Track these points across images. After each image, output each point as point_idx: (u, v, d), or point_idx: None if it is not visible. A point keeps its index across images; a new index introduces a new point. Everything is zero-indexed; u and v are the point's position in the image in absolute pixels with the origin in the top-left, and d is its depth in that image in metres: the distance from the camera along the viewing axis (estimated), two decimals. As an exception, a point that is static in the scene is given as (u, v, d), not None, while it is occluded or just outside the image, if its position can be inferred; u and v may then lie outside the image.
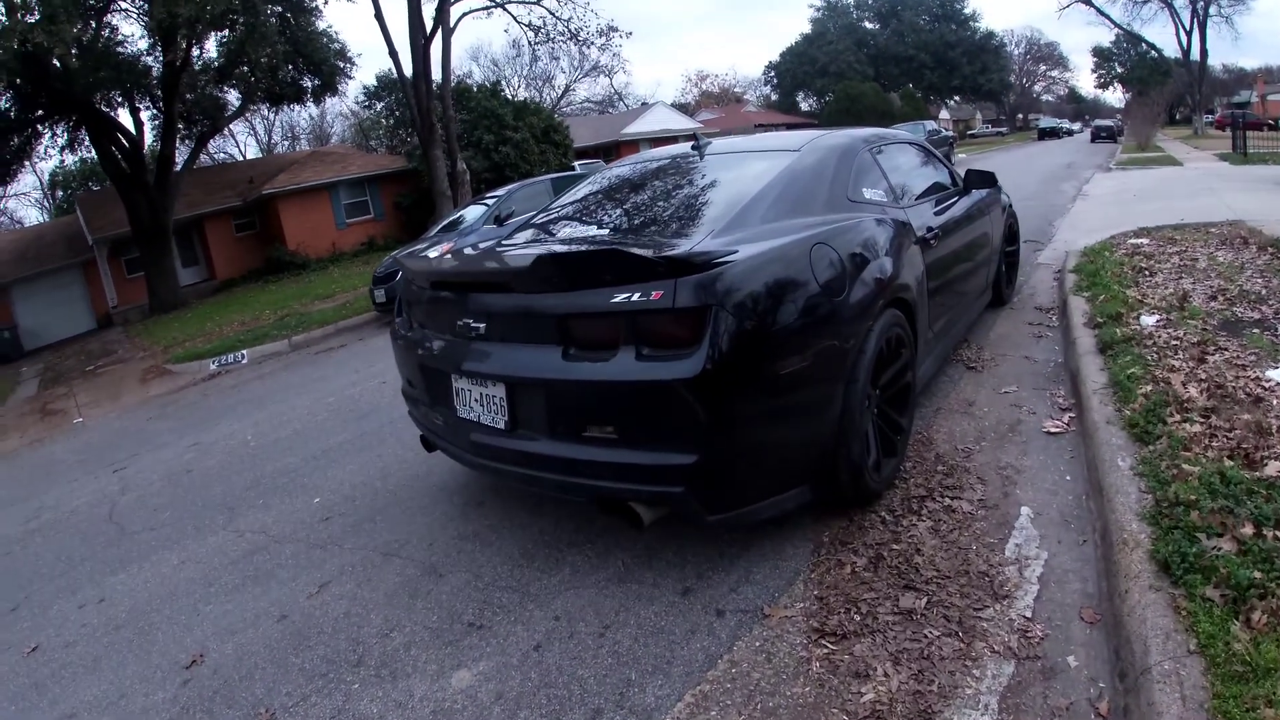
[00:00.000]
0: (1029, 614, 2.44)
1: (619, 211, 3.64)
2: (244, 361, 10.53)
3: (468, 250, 3.44)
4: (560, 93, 51.49)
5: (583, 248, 2.79)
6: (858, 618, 2.49)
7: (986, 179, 5.09)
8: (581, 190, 4.12)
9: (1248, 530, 2.36)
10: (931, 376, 4.23)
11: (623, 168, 4.24)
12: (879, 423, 3.18)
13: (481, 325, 2.89)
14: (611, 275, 2.51)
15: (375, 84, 26.23)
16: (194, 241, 23.80)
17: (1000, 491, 3.23)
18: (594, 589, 2.88)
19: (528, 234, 3.75)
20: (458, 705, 2.38)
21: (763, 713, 2.16)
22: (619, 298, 2.48)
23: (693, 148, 3.99)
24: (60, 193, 38.78)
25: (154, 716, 2.63)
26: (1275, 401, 3.35)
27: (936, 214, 4.20)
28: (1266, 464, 2.76)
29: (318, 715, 2.46)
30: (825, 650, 2.36)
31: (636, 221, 3.42)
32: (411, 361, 3.41)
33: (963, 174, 5.11)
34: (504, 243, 3.59)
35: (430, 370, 3.25)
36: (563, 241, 3.43)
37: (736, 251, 2.59)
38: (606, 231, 3.43)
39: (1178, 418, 3.24)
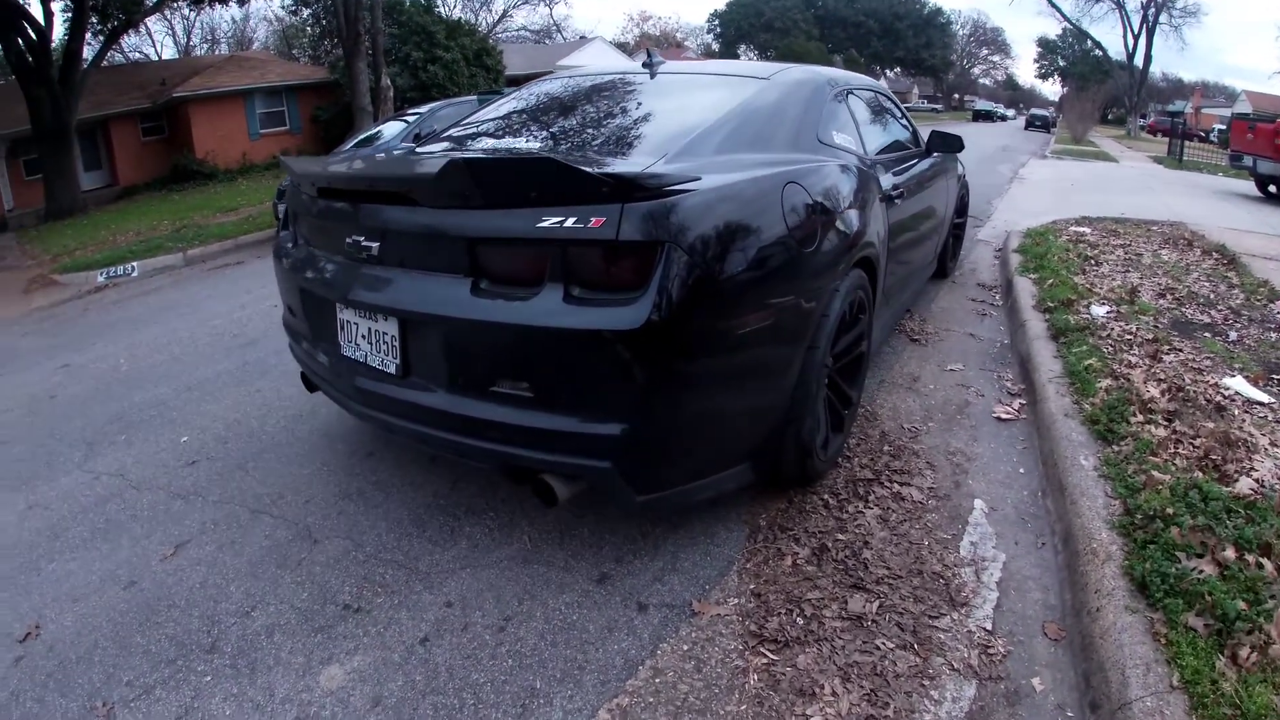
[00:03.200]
0: (989, 626, 2.17)
1: (554, 128, 3.07)
2: (134, 274, 9.63)
3: (374, 155, 2.87)
4: (497, 17, 49.30)
5: (507, 155, 2.28)
6: (801, 621, 2.16)
7: (951, 143, 4.75)
8: (510, 103, 3.54)
9: (1230, 553, 2.15)
10: (878, 346, 3.93)
11: (557, 82, 3.67)
12: (830, 394, 2.84)
13: (374, 245, 2.35)
14: (541, 193, 2.01)
15: (305, -13, 24.63)
16: (98, 144, 21.95)
17: (951, 480, 2.96)
18: (494, 569, 2.47)
19: (443, 145, 3.18)
20: (326, 711, 1.95)
21: (691, 736, 1.81)
22: (549, 221, 1.98)
23: (644, 65, 3.51)
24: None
25: None
26: (1237, 412, 3.25)
27: (898, 172, 3.84)
28: (1239, 479, 2.59)
29: (162, 713, 2.00)
30: (764, 660, 2.03)
31: (574, 139, 2.89)
32: (293, 286, 2.85)
33: (926, 134, 4.78)
34: (414, 151, 3.07)
35: (312, 297, 2.70)
36: (484, 151, 2.91)
37: (699, 179, 2.14)
38: (537, 146, 2.88)
39: (1141, 418, 3.06)
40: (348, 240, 2.42)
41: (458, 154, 2.69)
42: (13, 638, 2.39)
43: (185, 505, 3.07)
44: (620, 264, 2.00)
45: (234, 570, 2.58)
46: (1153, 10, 43.97)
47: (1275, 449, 2.86)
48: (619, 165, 2.37)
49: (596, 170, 2.01)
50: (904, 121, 4.62)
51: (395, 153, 3.15)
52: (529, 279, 2.07)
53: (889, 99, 4.50)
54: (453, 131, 3.40)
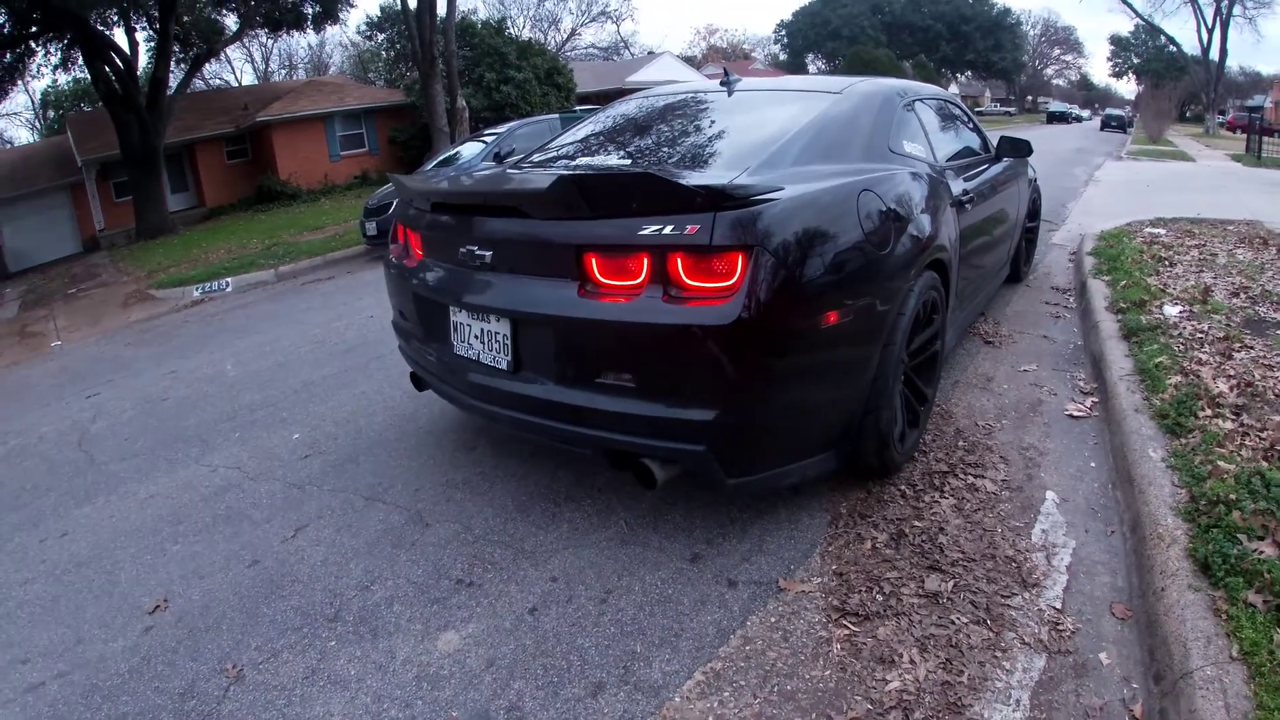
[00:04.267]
0: (1059, 605, 2.29)
1: (641, 144, 3.31)
2: (228, 290, 10.21)
3: (476, 173, 3.14)
4: (565, 36, 50.40)
5: (610, 172, 2.51)
6: (880, 598, 2.31)
7: (1020, 148, 4.82)
8: (594, 123, 3.79)
9: None
10: (952, 347, 4.04)
11: (637, 101, 3.91)
12: (906, 391, 2.98)
13: (488, 254, 2.61)
14: (641, 204, 2.25)
15: (378, 14, 25.55)
16: (184, 167, 23.07)
17: (1024, 473, 3.06)
18: (594, 549, 2.68)
19: (544, 162, 3.43)
20: (445, 671, 2.18)
21: (780, 696, 1.98)
22: (648, 230, 2.21)
23: (721, 83, 3.71)
24: (51, 113, 37.58)
25: (113, 666, 2.39)
26: None
27: (968, 178, 3.95)
28: (1302, 468, 2.62)
29: (290, 673, 2.24)
30: (846, 631, 2.19)
31: (661, 154, 3.12)
32: (405, 291, 3.13)
33: (995, 140, 4.86)
34: (515, 168, 3.32)
35: (426, 301, 2.97)
36: (585, 168, 3.14)
37: (782, 189, 2.33)
38: (628, 162, 3.11)
39: (1209, 412, 3.11)
40: (461, 250, 2.68)
41: (565, 171, 2.92)
42: (142, 610, 2.68)
43: (301, 494, 3.36)
44: (713, 266, 2.21)
45: (352, 550, 2.85)
46: (1226, 2, 42.38)
47: (1343, 440, 2.89)
48: (708, 178, 2.57)
49: (690, 183, 2.22)
50: (972, 128, 4.71)
51: (491, 171, 3.40)
52: (631, 281, 2.30)
53: (957, 106, 4.61)
54: (551, 150, 3.66)
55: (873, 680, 2.01)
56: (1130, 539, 2.57)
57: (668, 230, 2.19)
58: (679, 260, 2.22)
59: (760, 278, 2.17)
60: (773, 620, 2.27)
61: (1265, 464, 2.65)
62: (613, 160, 3.18)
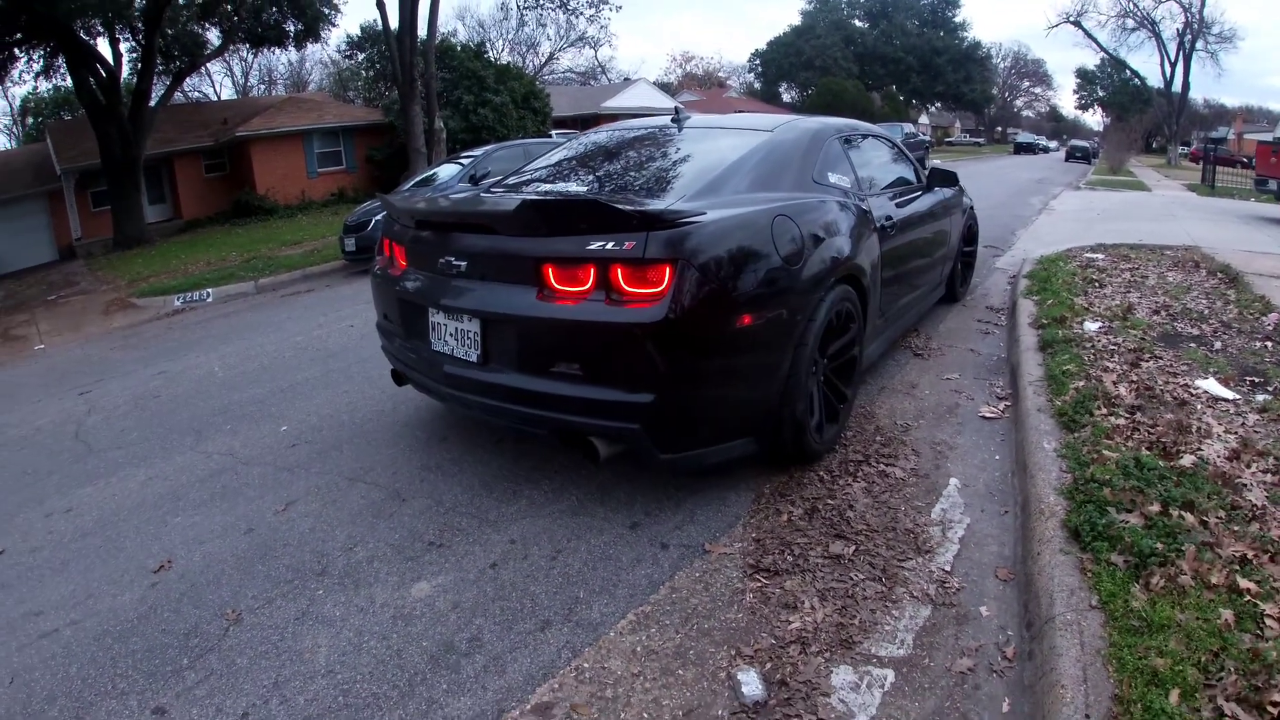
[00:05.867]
0: (948, 568, 2.68)
1: (598, 172, 3.81)
2: (209, 300, 10.50)
3: (453, 195, 3.58)
4: (543, 60, 51.01)
5: (565, 197, 2.95)
6: (790, 558, 2.71)
7: (948, 178, 5.33)
8: (562, 151, 4.28)
9: (1155, 508, 2.62)
10: (879, 358, 4.49)
11: (602, 134, 4.41)
12: (825, 390, 3.41)
13: (463, 264, 3.05)
14: (589, 224, 2.70)
15: (359, 34, 25.92)
16: (162, 179, 23.25)
17: (932, 463, 3.47)
18: (548, 519, 3.08)
19: (511, 185, 3.92)
20: (416, 611, 2.55)
21: (698, 633, 2.37)
22: (594, 245, 2.67)
23: (672, 120, 4.17)
24: (30, 119, 37.58)
25: (122, 614, 2.73)
26: (1199, 406, 3.65)
27: (897, 206, 4.43)
28: (1183, 456, 3.04)
29: (283, 616, 2.61)
30: (759, 584, 2.59)
31: (614, 183, 3.61)
32: (390, 296, 3.54)
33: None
34: (489, 190, 3.74)
35: (408, 305, 3.39)
36: (544, 194, 3.60)
37: (705, 214, 2.79)
38: (584, 189, 3.62)
39: (1104, 411, 3.51)
40: (440, 260, 3.13)
41: (528, 195, 3.39)
42: (148, 569, 3.04)
43: (290, 475, 3.72)
44: (646, 275, 2.66)
45: (337, 520, 3.22)
46: (1189, 37, 43.93)
47: (1228, 435, 3.30)
48: (646, 204, 3.03)
49: (629, 208, 2.71)
50: (905, 162, 5.19)
51: (468, 194, 3.85)
52: (580, 287, 2.74)
53: (889, 142, 5.09)
54: (522, 175, 4.15)
55: (777, 621, 2.40)
56: (1020, 517, 2.97)
57: (610, 246, 2.65)
58: (619, 270, 2.67)
59: (684, 285, 2.63)
60: (697, 575, 2.66)
61: (1146, 452, 3.05)
62: (573, 186, 3.69)
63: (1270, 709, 1.77)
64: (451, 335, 3.12)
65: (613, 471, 3.38)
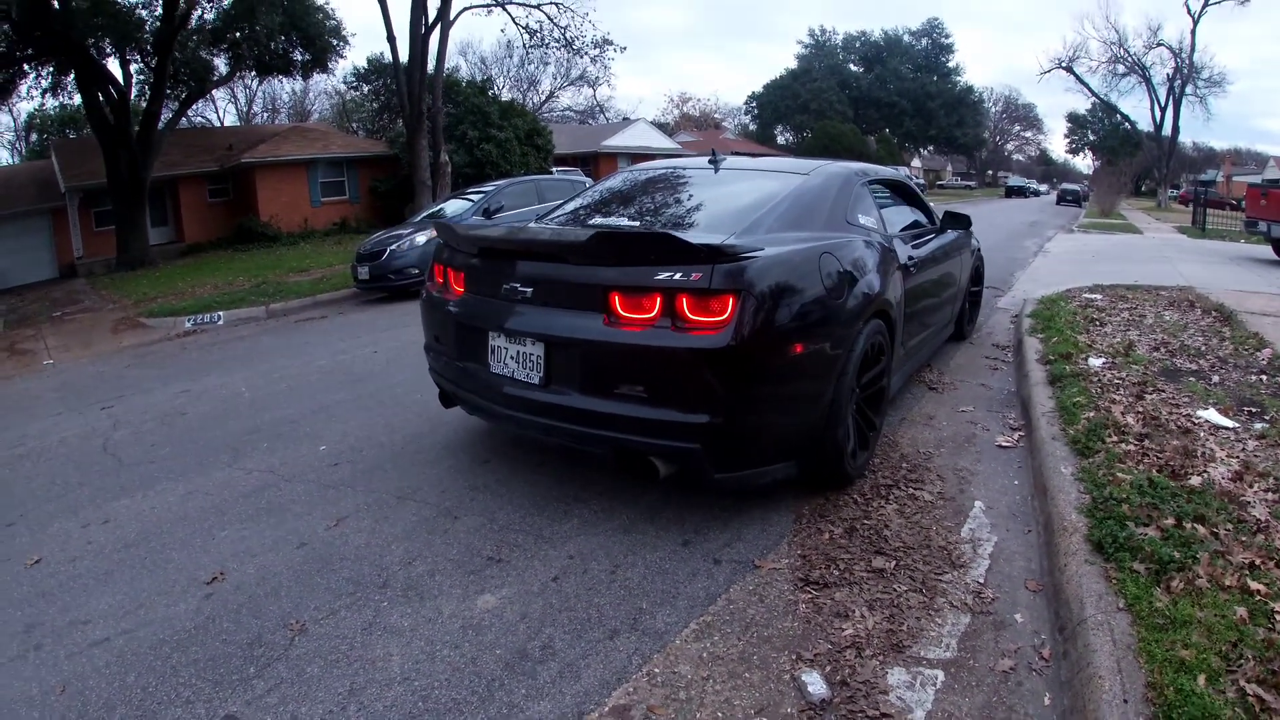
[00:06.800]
0: (982, 580, 2.86)
1: (647, 207, 4.05)
2: (220, 322, 10.61)
3: (518, 224, 3.77)
4: (544, 97, 51.80)
5: (637, 229, 3.13)
6: (836, 573, 2.87)
7: (961, 221, 5.60)
8: (607, 186, 4.53)
9: (1170, 522, 2.84)
10: (899, 391, 4.68)
11: (644, 172, 4.67)
12: (858, 418, 3.59)
13: (528, 290, 3.23)
14: (657, 256, 2.90)
15: (365, 66, 26.33)
16: (165, 202, 23.37)
17: (957, 488, 3.65)
18: (602, 536, 3.22)
19: (565, 218, 4.14)
20: (485, 622, 2.67)
21: (759, 639, 2.52)
22: (662, 275, 2.87)
23: (709, 161, 4.41)
24: (35, 136, 37.73)
25: (177, 624, 2.75)
26: (1202, 434, 3.86)
27: (915, 247, 4.67)
28: (1190, 477, 3.26)
29: (349, 626, 2.69)
30: (810, 595, 2.74)
31: (665, 217, 3.84)
32: (446, 320, 3.70)
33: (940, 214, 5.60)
34: (547, 222, 3.93)
35: (466, 328, 3.56)
36: (606, 225, 3.80)
37: (762, 249, 3.00)
38: (637, 223, 3.83)
39: (1115, 438, 3.72)
40: (504, 286, 3.31)
41: (599, 227, 3.60)
42: (199, 581, 3.08)
43: (337, 493, 3.83)
44: (710, 305, 2.86)
45: (391, 536, 3.34)
46: (1178, 82, 45.10)
47: (1230, 459, 3.51)
48: (705, 238, 3.20)
49: (696, 241, 2.89)
50: (921, 204, 5.47)
51: (530, 225, 4.11)
52: (646, 314, 2.93)
53: (908, 186, 5.37)
54: (569, 207, 4.37)
55: (831, 629, 2.55)
56: (1043, 535, 3.16)
57: (677, 276, 2.85)
58: (684, 300, 2.86)
59: (745, 314, 2.83)
60: (751, 588, 2.81)
61: (1157, 474, 3.27)
62: (624, 221, 3.90)
63: (1286, 688, 1.97)
64: (513, 358, 3.28)
65: (658, 494, 3.54)
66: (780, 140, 68.85)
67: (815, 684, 2.27)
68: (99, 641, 2.71)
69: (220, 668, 2.51)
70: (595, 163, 33.67)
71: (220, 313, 10.85)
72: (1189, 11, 43.67)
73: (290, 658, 2.55)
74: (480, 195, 11.95)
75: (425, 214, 12.58)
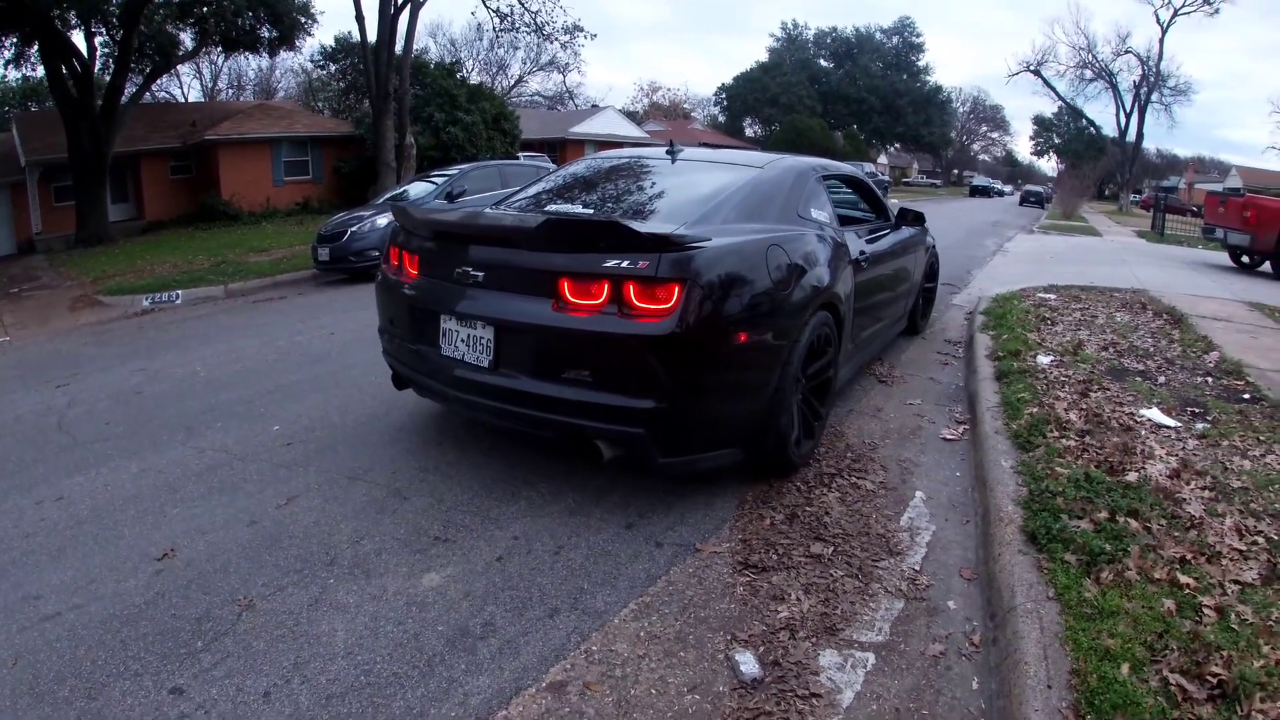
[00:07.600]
0: (918, 568, 2.95)
1: (603, 195, 4.09)
2: (178, 301, 10.47)
3: (473, 208, 3.77)
4: (513, 82, 51.44)
5: (586, 217, 3.17)
6: (775, 557, 2.95)
7: (916, 218, 5.69)
8: (566, 173, 4.55)
9: (1103, 515, 2.95)
10: (848, 382, 4.77)
11: (603, 159, 4.69)
12: (803, 407, 3.67)
13: (480, 274, 3.24)
14: (606, 243, 2.94)
15: (333, 45, 25.94)
16: (126, 178, 22.94)
17: (899, 478, 3.75)
18: (548, 518, 3.27)
19: (522, 204, 4.16)
20: (430, 599, 2.71)
21: (696, 620, 2.58)
22: (610, 262, 2.90)
23: (667, 151, 4.45)
24: (-4, 108, 36.62)
25: (127, 599, 2.77)
26: (1143, 432, 4.00)
27: (869, 242, 4.76)
28: (1128, 473, 3.38)
29: (296, 602, 2.72)
30: (748, 578, 2.81)
31: (620, 205, 3.87)
32: (400, 302, 3.71)
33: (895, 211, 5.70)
34: (504, 207, 3.94)
35: (420, 311, 3.56)
36: (564, 212, 3.82)
37: (710, 240, 3.04)
38: (591, 210, 3.85)
39: (1056, 434, 3.83)
40: (457, 270, 3.32)
41: (550, 213, 3.60)
42: (150, 557, 3.08)
43: (289, 472, 3.84)
44: (656, 293, 2.90)
45: (340, 515, 3.35)
46: (1145, 89, 45.98)
47: (1169, 457, 3.64)
48: (655, 227, 3.26)
49: (644, 230, 2.94)
50: (876, 200, 5.55)
51: (486, 210, 4.09)
52: (594, 300, 2.96)
53: (864, 182, 5.45)
54: (527, 192, 4.38)
55: (767, 611, 2.63)
56: (980, 526, 3.25)
57: (625, 264, 2.89)
58: (632, 287, 2.90)
59: (691, 303, 2.88)
60: (690, 570, 2.88)
61: (1095, 469, 3.38)
62: (579, 208, 3.91)
63: (1209, 679, 2.06)
64: (463, 341, 3.30)
65: (605, 477, 3.59)
66: (749, 133, 68.97)
67: (748, 663, 2.33)
68: (50, 616, 2.71)
69: (169, 642, 2.53)
70: (562, 149, 33.48)
71: (179, 292, 10.70)
72: (1158, 21, 44.40)
73: (237, 632, 2.57)
74: (444, 178, 11.90)
75: (388, 196, 12.49)
